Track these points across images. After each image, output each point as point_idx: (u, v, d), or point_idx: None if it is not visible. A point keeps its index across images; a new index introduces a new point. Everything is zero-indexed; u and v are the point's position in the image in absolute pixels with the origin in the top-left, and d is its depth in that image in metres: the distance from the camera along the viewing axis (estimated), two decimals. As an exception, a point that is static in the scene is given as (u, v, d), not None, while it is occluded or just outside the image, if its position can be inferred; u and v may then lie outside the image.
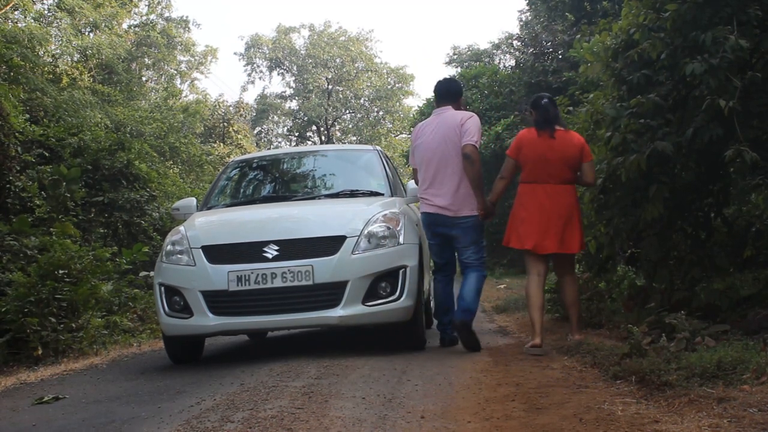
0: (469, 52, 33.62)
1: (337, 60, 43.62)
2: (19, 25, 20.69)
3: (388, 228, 4.99)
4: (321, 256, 4.78)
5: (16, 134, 8.75)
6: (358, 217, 5.05)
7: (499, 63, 30.21)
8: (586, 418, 2.91)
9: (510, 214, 5.22)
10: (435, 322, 5.81)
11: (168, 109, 25.76)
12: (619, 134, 5.15)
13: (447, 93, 5.44)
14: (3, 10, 19.94)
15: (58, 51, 23.47)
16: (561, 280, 5.26)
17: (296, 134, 45.37)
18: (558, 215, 4.99)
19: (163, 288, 5.03)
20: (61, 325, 6.23)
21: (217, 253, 4.90)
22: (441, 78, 5.72)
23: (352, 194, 5.79)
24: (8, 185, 8.25)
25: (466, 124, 5.16)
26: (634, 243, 5.92)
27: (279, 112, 45.68)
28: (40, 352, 5.94)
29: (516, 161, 5.14)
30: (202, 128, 31.21)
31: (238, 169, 6.63)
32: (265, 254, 4.81)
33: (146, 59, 30.04)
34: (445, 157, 5.18)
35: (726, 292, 5.34)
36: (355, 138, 44.11)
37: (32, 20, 22.31)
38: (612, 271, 6.49)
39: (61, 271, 6.48)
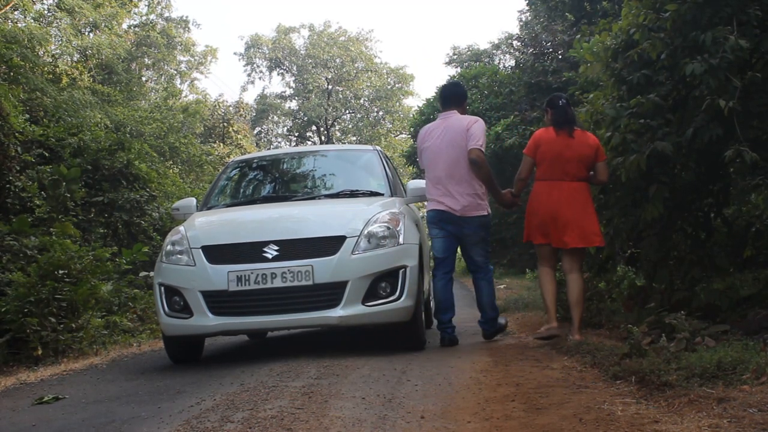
0: (468, 52, 33.67)
1: (337, 60, 43.61)
2: (19, 25, 20.70)
3: (388, 228, 4.99)
4: (321, 256, 4.78)
5: (16, 134, 8.75)
6: (358, 217, 5.05)
7: (499, 63, 30.26)
8: (585, 418, 2.91)
9: (526, 211, 5.36)
10: (435, 322, 5.86)
11: (168, 109, 25.76)
12: (619, 134, 5.15)
13: (453, 97, 5.63)
14: (3, 10, 19.94)
15: (57, 51, 23.49)
16: (568, 278, 5.28)
17: (296, 134, 45.37)
18: (573, 211, 5.12)
19: (162, 288, 5.02)
20: (61, 325, 6.22)
21: (217, 253, 4.90)
22: (446, 82, 6.02)
23: (352, 194, 5.79)
24: (8, 185, 8.25)
25: (471, 129, 5.36)
26: (634, 243, 5.93)
27: (279, 112, 45.67)
28: (40, 352, 5.93)
29: (533, 159, 5.29)
30: (202, 128, 31.21)
31: (238, 169, 6.62)
32: (265, 254, 4.81)
33: (146, 59, 30.07)
34: (452, 161, 5.36)
35: (726, 292, 5.34)
36: (354, 138, 44.10)
37: (32, 20, 22.33)
38: (612, 271, 6.49)
39: (61, 271, 6.48)
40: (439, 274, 5.52)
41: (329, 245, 4.83)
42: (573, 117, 5.30)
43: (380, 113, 45.08)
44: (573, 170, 5.14)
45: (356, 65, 44.09)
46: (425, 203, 6.72)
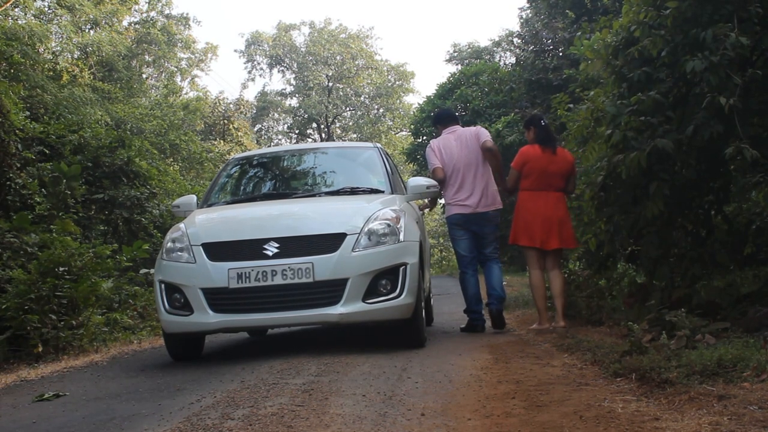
0: (469, 50, 33.64)
1: (338, 57, 43.56)
2: (20, 22, 20.69)
3: (389, 225, 4.98)
4: (321, 254, 4.77)
5: (17, 131, 8.74)
6: (358, 215, 5.04)
7: (500, 60, 30.22)
8: (586, 415, 2.91)
9: (514, 217, 6.05)
10: (434, 319, 5.97)
11: (168, 107, 25.72)
12: (620, 131, 5.15)
13: (452, 116, 6.68)
14: (3, 7, 19.93)
15: (58, 48, 23.48)
16: (551, 274, 5.99)
17: (296, 131, 45.33)
18: (557, 217, 5.89)
19: (163, 285, 5.02)
20: (62, 322, 6.22)
21: (218, 251, 4.89)
22: (440, 108, 7.07)
23: (353, 191, 5.78)
24: (8, 182, 8.24)
25: (479, 131, 6.36)
26: (634, 240, 5.92)
27: (279, 109, 45.63)
28: (40, 349, 5.94)
29: (520, 173, 6.01)
30: (203, 125, 31.23)
31: (238, 166, 6.62)
32: (265, 251, 4.81)
33: (146, 56, 30.08)
34: (470, 163, 6.19)
35: (726, 290, 5.34)
36: (355, 135, 44.04)
37: (32, 17, 22.35)
38: (612, 269, 6.49)
39: (61, 268, 6.47)
40: (469, 272, 6.25)
41: (330, 242, 4.82)
42: (554, 135, 6.17)
43: (381, 110, 45.02)
44: (556, 182, 5.93)
45: (357, 62, 44.04)
46: (425, 200, 6.75)
